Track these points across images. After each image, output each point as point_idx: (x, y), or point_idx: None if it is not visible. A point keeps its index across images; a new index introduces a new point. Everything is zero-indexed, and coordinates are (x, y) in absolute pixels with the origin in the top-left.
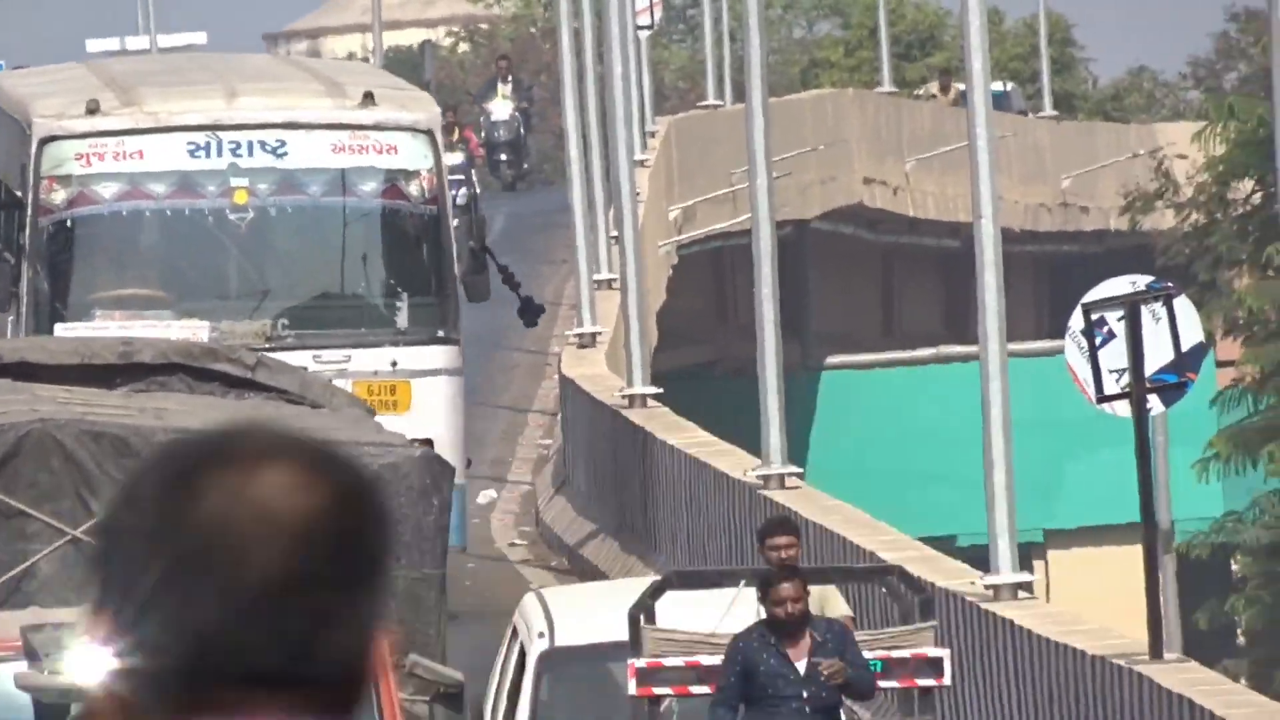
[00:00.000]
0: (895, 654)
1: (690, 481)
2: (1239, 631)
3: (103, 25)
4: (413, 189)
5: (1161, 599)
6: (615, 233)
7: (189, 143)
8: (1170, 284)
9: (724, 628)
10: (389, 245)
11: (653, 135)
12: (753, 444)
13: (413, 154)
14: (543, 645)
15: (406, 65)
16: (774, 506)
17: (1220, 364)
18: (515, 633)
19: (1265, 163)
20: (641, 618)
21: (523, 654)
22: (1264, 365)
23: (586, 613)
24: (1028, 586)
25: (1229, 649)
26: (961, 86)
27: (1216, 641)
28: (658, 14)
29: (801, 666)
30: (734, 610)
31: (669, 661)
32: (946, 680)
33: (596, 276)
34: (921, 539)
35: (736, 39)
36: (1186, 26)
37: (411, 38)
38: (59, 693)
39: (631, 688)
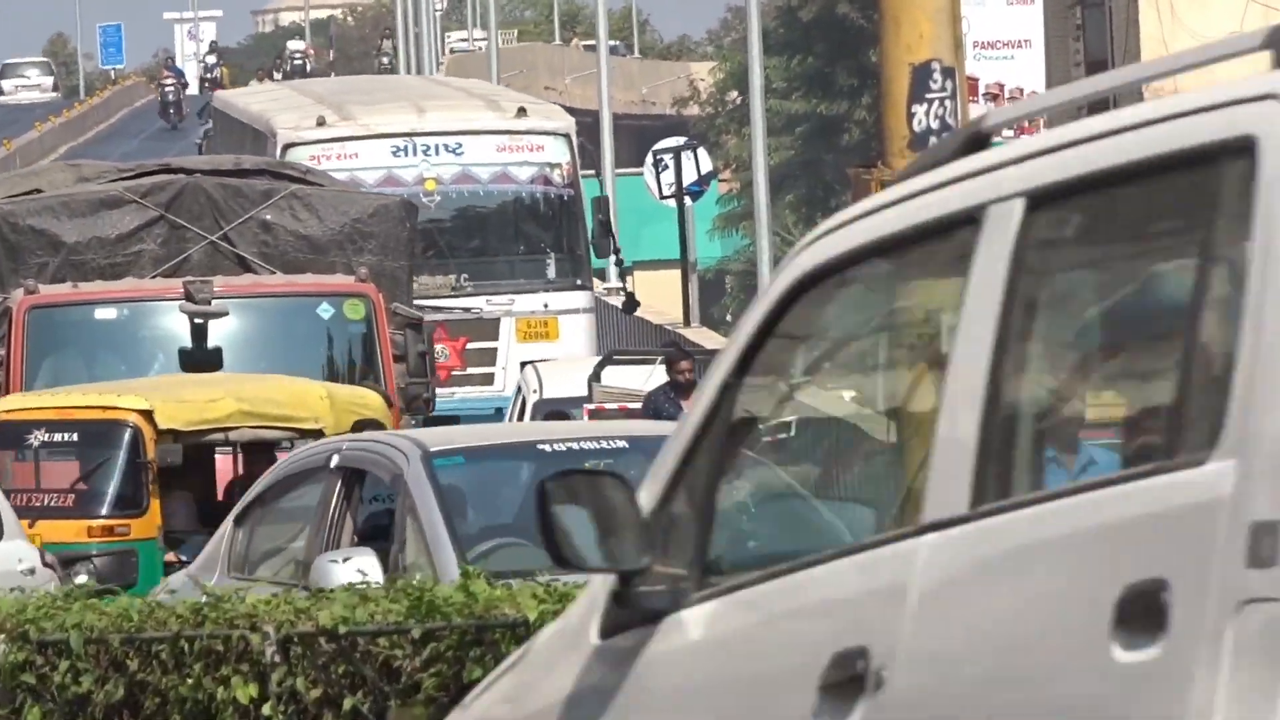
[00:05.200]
0: None
1: None
2: (728, 317)
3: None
4: (555, 176)
5: (691, 297)
6: None
7: (392, 146)
8: (697, 141)
9: (646, 387)
10: (539, 218)
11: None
12: None
13: (555, 151)
14: (535, 397)
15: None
16: None
17: (721, 180)
18: (519, 390)
19: (744, 85)
20: (592, 381)
21: (523, 403)
22: (741, 182)
23: (563, 377)
24: (626, 290)
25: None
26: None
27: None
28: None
29: None
30: (652, 377)
31: (609, 405)
32: None
33: None
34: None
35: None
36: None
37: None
38: (209, 315)
39: (585, 420)
